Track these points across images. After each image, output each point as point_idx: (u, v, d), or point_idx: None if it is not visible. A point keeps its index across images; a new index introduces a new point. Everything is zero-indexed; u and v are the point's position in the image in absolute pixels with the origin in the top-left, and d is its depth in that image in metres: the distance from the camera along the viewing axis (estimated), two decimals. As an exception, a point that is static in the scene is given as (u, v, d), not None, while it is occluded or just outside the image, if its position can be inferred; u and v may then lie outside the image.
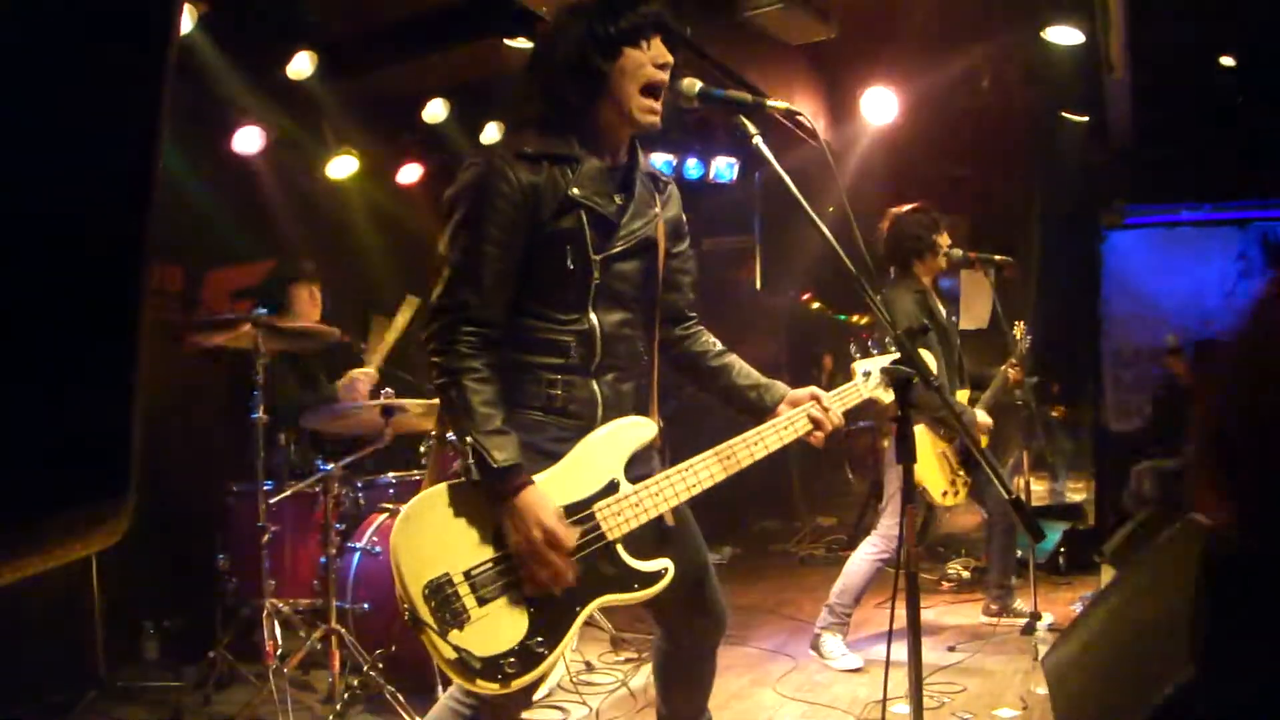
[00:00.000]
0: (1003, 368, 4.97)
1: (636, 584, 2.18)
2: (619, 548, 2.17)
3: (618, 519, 2.16)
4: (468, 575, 2.06)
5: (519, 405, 2.17)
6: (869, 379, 2.44)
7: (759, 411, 2.41)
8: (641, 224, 2.29)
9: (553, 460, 2.17)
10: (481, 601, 2.05)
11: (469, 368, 2.09)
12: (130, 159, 0.67)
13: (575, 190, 2.18)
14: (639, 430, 2.27)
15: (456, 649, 2.00)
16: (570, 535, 2.08)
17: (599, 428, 2.22)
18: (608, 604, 2.19)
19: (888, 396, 2.41)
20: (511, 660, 2.04)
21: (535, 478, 2.10)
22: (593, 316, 2.22)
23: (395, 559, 2.05)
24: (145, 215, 0.67)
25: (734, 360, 2.50)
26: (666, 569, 2.20)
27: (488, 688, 2.03)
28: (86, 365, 0.64)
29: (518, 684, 2.04)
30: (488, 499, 2.08)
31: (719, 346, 2.52)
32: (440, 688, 3.77)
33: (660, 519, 2.23)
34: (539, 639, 2.07)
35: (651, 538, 2.23)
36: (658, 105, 2.21)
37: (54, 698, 3.96)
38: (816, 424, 2.34)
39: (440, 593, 2.03)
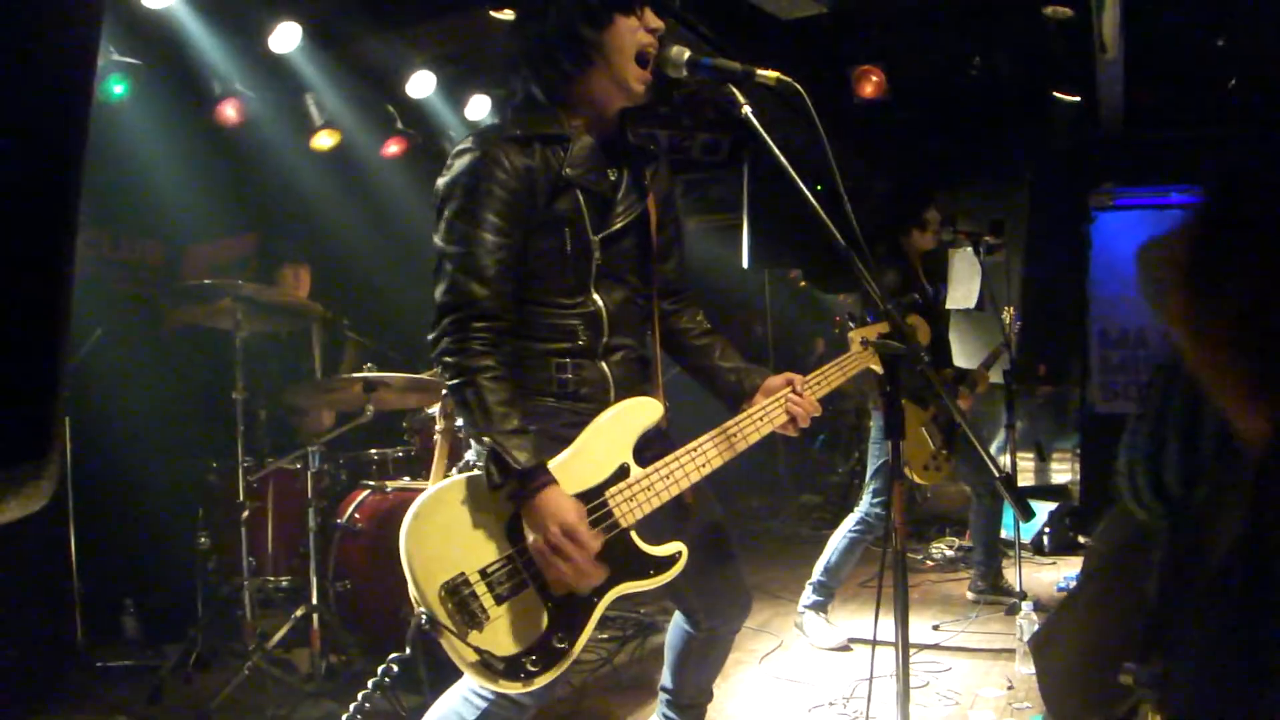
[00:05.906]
0: (963, 389, 4.90)
1: (652, 570, 2.12)
2: (632, 534, 2.11)
3: (630, 505, 2.10)
4: (484, 574, 1.99)
5: (530, 392, 2.12)
6: (868, 348, 2.40)
7: (735, 397, 2.35)
8: (635, 198, 2.24)
9: (566, 445, 2.11)
10: (499, 600, 1.99)
11: (483, 366, 2.02)
12: (57, 105, 0.63)
13: (569, 171, 2.13)
14: (646, 410, 2.21)
15: (478, 650, 1.94)
16: (593, 533, 2.01)
17: (607, 410, 2.16)
18: (625, 592, 2.11)
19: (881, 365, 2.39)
20: (533, 658, 1.99)
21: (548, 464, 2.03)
22: (596, 297, 2.18)
23: (407, 561, 1.97)
24: (74, 166, 0.63)
25: (717, 340, 2.44)
26: (680, 552, 2.14)
27: (511, 687, 1.98)
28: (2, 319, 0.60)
29: (540, 681, 2.00)
30: (506, 498, 2.01)
31: (705, 325, 2.47)
32: (423, 667, 3.75)
33: (676, 500, 2.16)
34: (559, 634, 2.02)
35: (664, 521, 2.16)
36: (648, 75, 2.16)
37: (33, 676, 3.92)
38: (793, 415, 2.27)
39: (457, 593, 1.96)
